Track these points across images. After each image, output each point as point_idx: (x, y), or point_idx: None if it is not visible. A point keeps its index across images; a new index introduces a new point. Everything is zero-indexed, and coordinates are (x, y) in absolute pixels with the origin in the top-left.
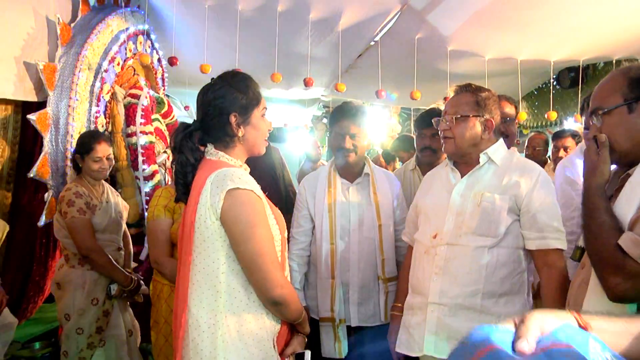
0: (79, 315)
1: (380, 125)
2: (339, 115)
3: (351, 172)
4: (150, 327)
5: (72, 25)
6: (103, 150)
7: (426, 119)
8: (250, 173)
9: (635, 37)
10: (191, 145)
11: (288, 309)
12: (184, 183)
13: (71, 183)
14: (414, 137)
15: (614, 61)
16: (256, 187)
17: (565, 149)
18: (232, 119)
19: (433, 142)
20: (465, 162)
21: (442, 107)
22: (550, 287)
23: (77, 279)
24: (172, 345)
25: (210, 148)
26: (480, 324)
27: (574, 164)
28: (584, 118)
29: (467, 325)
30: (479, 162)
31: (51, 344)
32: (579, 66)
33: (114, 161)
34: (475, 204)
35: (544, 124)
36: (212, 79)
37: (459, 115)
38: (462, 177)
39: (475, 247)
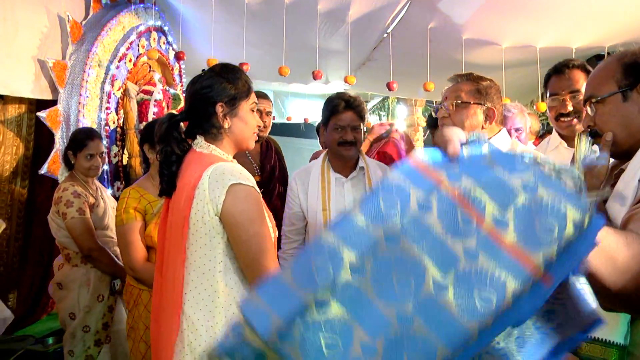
0: (85, 313)
1: (402, 118)
2: (340, 107)
3: (346, 166)
4: (127, 335)
5: (84, 22)
6: (95, 147)
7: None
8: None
9: None
10: (177, 136)
11: None
12: (168, 175)
13: (65, 182)
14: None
15: None
16: (255, 184)
17: None
18: (219, 109)
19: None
20: None
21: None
22: None
23: (82, 277)
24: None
25: (200, 140)
26: None
27: None
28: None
29: None
30: None
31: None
32: (606, 54)
33: (107, 158)
34: None
35: None
36: (203, 70)
37: (459, 102)
38: None
39: None
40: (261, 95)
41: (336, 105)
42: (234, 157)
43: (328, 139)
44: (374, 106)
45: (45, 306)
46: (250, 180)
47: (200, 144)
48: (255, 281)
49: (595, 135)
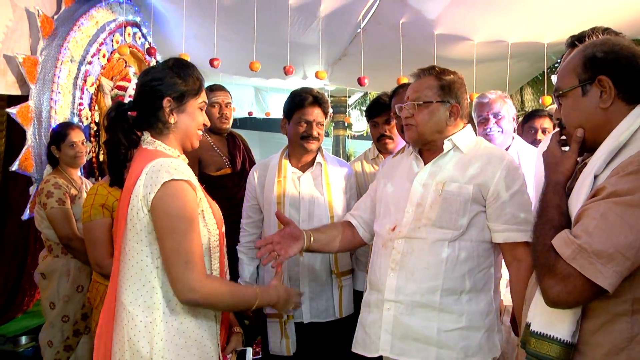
0: (64, 303)
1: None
2: (307, 101)
3: (305, 161)
4: (92, 331)
5: (55, 17)
6: (77, 135)
7: (376, 108)
8: None
9: (633, 17)
10: (124, 125)
11: (214, 308)
12: (116, 165)
13: (48, 175)
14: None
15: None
16: (192, 177)
17: (544, 131)
18: (166, 103)
19: (388, 129)
20: (429, 149)
21: (390, 94)
22: (519, 283)
23: (62, 267)
24: None
25: (147, 136)
26: (439, 323)
27: None
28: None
29: (425, 324)
30: (443, 150)
31: (37, 338)
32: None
33: (88, 148)
34: (437, 193)
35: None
36: (157, 62)
37: (421, 102)
38: (425, 165)
39: (435, 240)
40: (217, 88)
41: (303, 100)
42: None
43: (291, 131)
44: (355, 101)
45: (21, 304)
46: (186, 173)
47: (147, 140)
48: (170, 281)
49: (563, 128)
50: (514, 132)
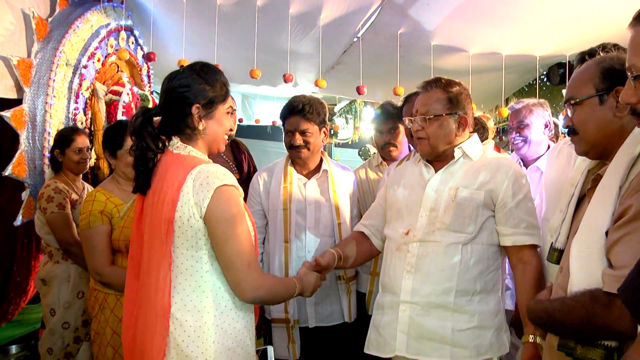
0: (65, 309)
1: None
2: (287, 112)
3: (307, 168)
4: (92, 340)
5: (50, 19)
6: (82, 141)
7: (381, 116)
8: None
9: (620, 32)
10: (150, 131)
11: (270, 302)
12: (144, 171)
13: (50, 180)
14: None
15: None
16: (236, 182)
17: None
18: (195, 110)
19: (393, 137)
20: (439, 158)
21: (398, 102)
22: (524, 285)
23: (62, 273)
24: (122, 357)
25: (176, 141)
26: (453, 322)
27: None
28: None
29: (440, 324)
30: (453, 157)
31: (29, 347)
32: (567, 62)
33: (92, 154)
34: (450, 198)
35: None
36: (182, 66)
37: (431, 116)
38: (435, 172)
39: (449, 243)
40: None
41: (283, 111)
42: (212, 157)
43: (284, 142)
44: (341, 109)
45: (6, 313)
46: (233, 179)
47: (177, 145)
48: (231, 284)
49: (573, 133)
50: (553, 139)
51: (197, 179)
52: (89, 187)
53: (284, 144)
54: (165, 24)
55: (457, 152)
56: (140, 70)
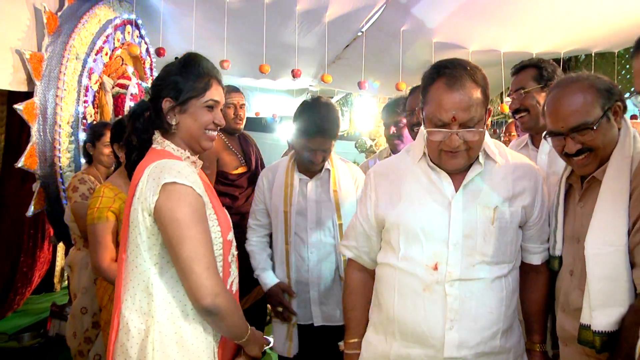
0: (82, 294)
1: (367, 115)
2: (314, 132)
3: (312, 168)
4: (102, 329)
5: (59, 14)
6: None
7: (390, 110)
8: None
9: (612, 31)
10: (138, 126)
11: (224, 322)
12: (130, 167)
13: (80, 171)
14: (383, 127)
15: (593, 54)
16: (197, 183)
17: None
18: (165, 104)
19: (399, 130)
20: None
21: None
22: (536, 292)
23: (82, 260)
24: None
25: (157, 136)
26: None
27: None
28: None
29: None
30: (477, 162)
31: (40, 335)
32: (561, 59)
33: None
34: (487, 221)
35: None
36: (176, 57)
37: (481, 129)
38: (451, 179)
39: (493, 278)
40: (233, 89)
41: (307, 128)
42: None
43: (296, 147)
44: (337, 101)
45: (12, 302)
46: (190, 178)
47: (157, 140)
48: (187, 289)
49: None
50: None
51: (151, 174)
52: None
53: (291, 145)
54: (170, 19)
55: (481, 156)
56: (144, 63)
